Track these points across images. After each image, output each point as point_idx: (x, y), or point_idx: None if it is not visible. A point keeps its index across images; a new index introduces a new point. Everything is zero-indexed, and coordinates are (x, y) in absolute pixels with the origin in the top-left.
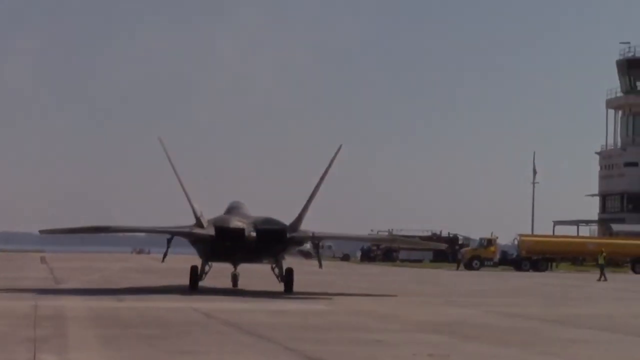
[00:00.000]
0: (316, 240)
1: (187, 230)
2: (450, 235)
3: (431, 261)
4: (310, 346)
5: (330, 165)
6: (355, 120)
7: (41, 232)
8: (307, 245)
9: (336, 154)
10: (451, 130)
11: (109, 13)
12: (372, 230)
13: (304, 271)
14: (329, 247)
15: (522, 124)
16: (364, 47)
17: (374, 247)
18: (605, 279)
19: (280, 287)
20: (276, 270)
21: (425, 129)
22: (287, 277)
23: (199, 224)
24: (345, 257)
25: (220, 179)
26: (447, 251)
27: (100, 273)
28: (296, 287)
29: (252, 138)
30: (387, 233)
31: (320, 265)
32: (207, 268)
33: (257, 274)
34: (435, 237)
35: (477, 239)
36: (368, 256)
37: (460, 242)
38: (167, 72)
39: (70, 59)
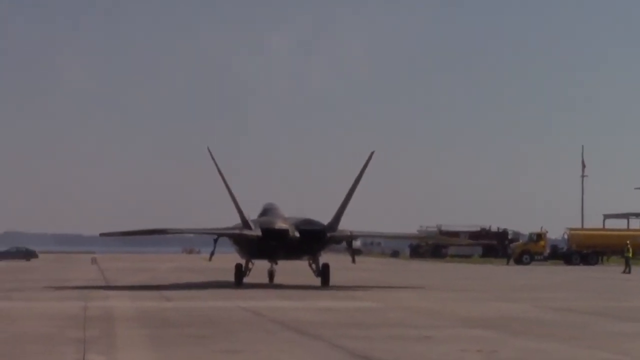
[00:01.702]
0: (353, 239)
1: (237, 231)
2: (500, 230)
3: (481, 256)
4: (358, 343)
5: (363, 170)
6: (404, 117)
7: (102, 234)
8: (358, 243)
9: (368, 160)
10: (501, 124)
11: (163, 14)
12: (421, 227)
13: (351, 267)
14: (379, 244)
15: (571, 117)
16: (412, 46)
17: (423, 243)
18: (629, 272)
19: (316, 281)
20: (313, 266)
21: (475, 124)
22: (323, 272)
23: (246, 225)
24: (395, 254)
25: (257, 177)
26: (497, 246)
27: (150, 273)
28: (340, 283)
29: (294, 137)
30: (435, 229)
31: (354, 261)
32: (250, 265)
33: (292, 269)
34: (485, 232)
35: (527, 233)
36: (417, 252)
37: (509, 236)
38: (218, 73)
39: (119, 61)
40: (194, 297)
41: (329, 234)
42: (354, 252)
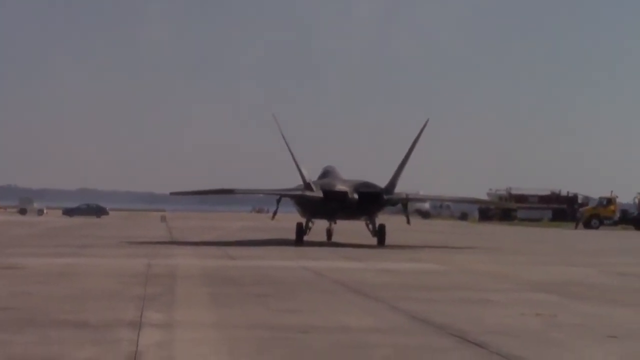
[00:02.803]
0: (408, 201)
1: (299, 192)
2: (570, 195)
3: (550, 220)
4: (417, 305)
5: (418, 137)
6: (478, 81)
7: (172, 193)
8: (426, 205)
9: (423, 127)
10: (571, 88)
11: None
12: (490, 189)
13: (416, 229)
14: (447, 206)
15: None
16: (489, 13)
17: (492, 206)
18: None
19: (372, 241)
20: (370, 226)
21: (547, 87)
22: (379, 232)
23: (308, 187)
24: (463, 217)
25: (314, 141)
26: (566, 210)
27: (218, 232)
28: (398, 243)
29: (366, 101)
30: (505, 192)
31: (408, 222)
32: (310, 225)
33: (348, 229)
34: (555, 196)
35: (597, 198)
36: (486, 215)
37: (579, 201)
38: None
39: (202, 19)
40: (258, 257)
41: (385, 197)
42: (424, 215)
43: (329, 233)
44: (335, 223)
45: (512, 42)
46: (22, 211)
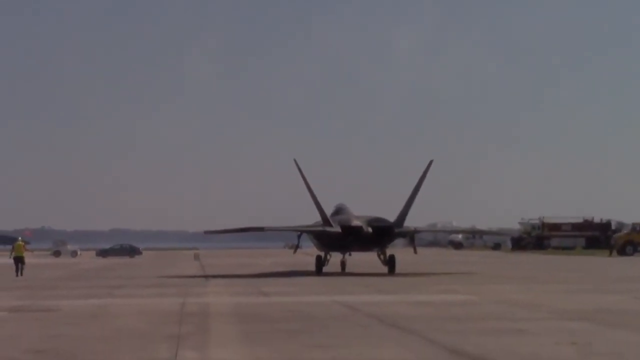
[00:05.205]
0: (416, 233)
1: (320, 228)
2: (603, 221)
3: (584, 248)
4: (451, 337)
5: (423, 178)
6: (512, 112)
7: (205, 232)
8: (459, 236)
9: (427, 168)
10: (603, 114)
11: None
12: (522, 219)
13: (448, 261)
14: (480, 237)
15: None
16: (537, 45)
17: (525, 235)
18: None
19: (382, 270)
20: (382, 257)
21: (577, 115)
22: (390, 262)
23: (327, 223)
24: (496, 246)
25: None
26: (600, 237)
27: (251, 268)
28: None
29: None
30: (538, 221)
31: (415, 252)
32: (328, 257)
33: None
34: (588, 224)
35: (631, 223)
36: (519, 245)
37: (613, 227)
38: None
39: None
40: (290, 292)
41: (396, 229)
42: (457, 246)
43: (343, 264)
44: (350, 255)
45: (553, 71)
46: (56, 253)
